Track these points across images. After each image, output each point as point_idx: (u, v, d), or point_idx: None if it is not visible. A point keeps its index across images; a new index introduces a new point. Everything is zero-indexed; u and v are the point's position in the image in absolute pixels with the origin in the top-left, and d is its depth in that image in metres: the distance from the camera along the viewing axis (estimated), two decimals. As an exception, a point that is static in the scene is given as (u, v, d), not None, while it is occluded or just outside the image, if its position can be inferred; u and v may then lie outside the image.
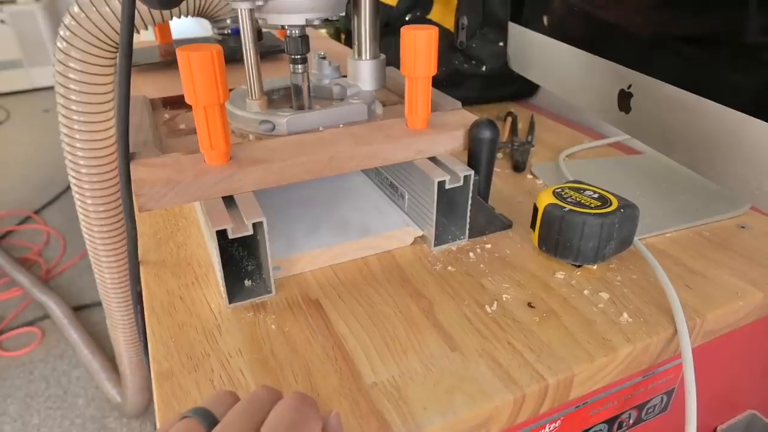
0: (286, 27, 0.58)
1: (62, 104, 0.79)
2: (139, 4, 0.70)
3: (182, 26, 1.08)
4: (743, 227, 0.62)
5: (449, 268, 0.55)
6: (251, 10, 0.54)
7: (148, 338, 0.46)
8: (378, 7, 0.61)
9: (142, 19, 0.77)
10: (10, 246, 2.16)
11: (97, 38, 0.76)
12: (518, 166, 0.75)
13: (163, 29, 0.88)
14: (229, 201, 0.49)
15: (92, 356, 1.59)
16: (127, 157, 0.49)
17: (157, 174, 0.47)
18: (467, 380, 0.42)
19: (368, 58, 0.64)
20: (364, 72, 0.64)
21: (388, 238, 0.57)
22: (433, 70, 0.54)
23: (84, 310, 1.83)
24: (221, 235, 0.46)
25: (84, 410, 1.53)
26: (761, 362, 0.65)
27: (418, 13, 0.96)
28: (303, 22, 0.56)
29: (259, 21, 0.58)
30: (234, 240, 0.47)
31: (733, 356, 0.60)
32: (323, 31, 1.22)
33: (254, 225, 0.46)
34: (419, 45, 0.52)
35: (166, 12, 0.78)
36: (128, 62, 0.47)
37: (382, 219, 0.60)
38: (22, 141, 3.17)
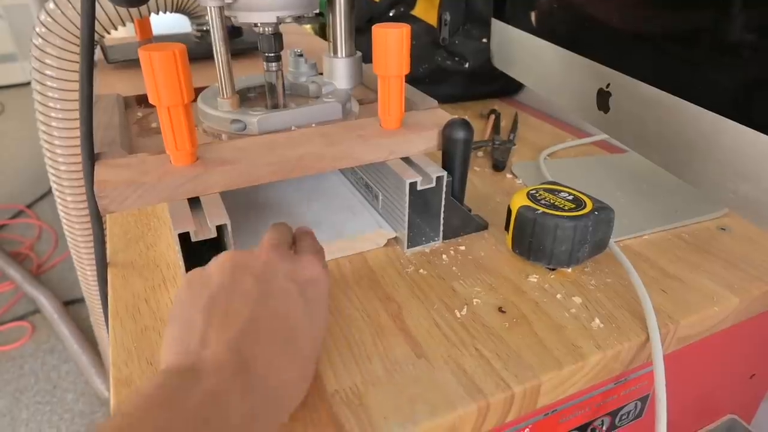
0: (258, 25, 0.57)
1: (40, 101, 0.79)
2: (107, 3, 0.69)
3: (167, 22, 1.07)
4: (724, 229, 0.61)
5: (421, 270, 0.54)
6: (220, 8, 0.53)
7: (110, 343, 0.45)
8: (353, 4, 0.60)
9: (119, 16, 0.76)
10: (2, 240, 2.16)
11: (74, 35, 0.75)
12: (498, 165, 0.74)
13: (143, 25, 0.87)
14: (196, 202, 0.48)
15: (82, 351, 1.59)
16: (91, 157, 0.48)
17: (120, 175, 0.47)
18: (431, 388, 0.41)
19: (344, 55, 0.63)
20: (339, 70, 0.63)
21: (360, 240, 0.57)
22: (405, 69, 0.53)
23: (75, 305, 1.83)
24: (184, 237, 0.45)
25: (73, 405, 1.52)
26: (740, 366, 0.64)
27: (402, 9, 0.95)
28: (274, 20, 0.55)
29: (232, 19, 0.57)
30: (203, 241, 0.46)
31: (710, 360, 0.59)
32: (307, 27, 1.21)
33: (218, 227, 0.46)
34: (390, 43, 0.51)
35: (143, 8, 0.77)
36: (89, 61, 0.46)
37: (355, 220, 0.59)
38: (16, 135, 3.16)
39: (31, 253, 2.09)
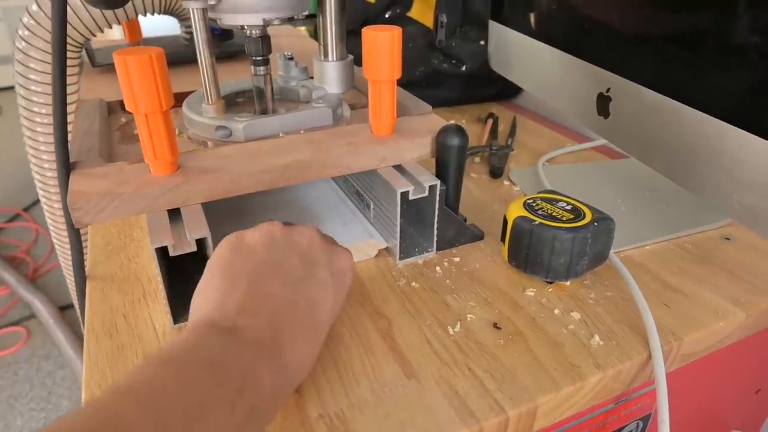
0: (245, 27, 0.55)
1: (24, 106, 0.77)
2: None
3: (160, 24, 1.05)
4: (728, 239, 0.59)
5: (413, 284, 0.52)
6: (204, 10, 0.51)
7: (84, 361, 0.43)
8: (343, 5, 0.58)
9: (105, 18, 0.74)
10: (-2, 244, 2.14)
11: (58, 37, 0.73)
12: (495, 172, 0.72)
13: (133, 27, 0.84)
14: (177, 214, 0.46)
15: (77, 357, 1.57)
16: (66, 166, 0.46)
17: (96, 186, 0.44)
18: (421, 412, 0.39)
19: (335, 59, 0.60)
20: (330, 74, 0.61)
21: (350, 250, 0.54)
22: (397, 73, 0.51)
23: (70, 310, 1.80)
24: (162, 251, 0.43)
25: (68, 412, 1.50)
26: (745, 381, 0.62)
27: (398, 11, 0.93)
28: (260, 22, 0.53)
29: (218, 21, 0.54)
30: (184, 254, 0.44)
31: (715, 376, 0.57)
32: (302, 29, 1.18)
33: (199, 240, 0.43)
34: (381, 46, 0.49)
35: (129, 10, 0.75)
36: (62, 64, 0.44)
37: (345, 230, 0.57)
38: (14, 137, 3.14)
39: (27, 257, 2.07)
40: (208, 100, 0.55)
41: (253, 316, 0.35)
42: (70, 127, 0.55)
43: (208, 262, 0.40)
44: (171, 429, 0.27)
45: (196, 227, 0.44)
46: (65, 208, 0.47)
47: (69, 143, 0.49)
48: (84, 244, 0.79)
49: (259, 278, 0.38)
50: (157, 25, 1.04)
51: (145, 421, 0.27)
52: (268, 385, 0.33)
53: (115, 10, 0.73)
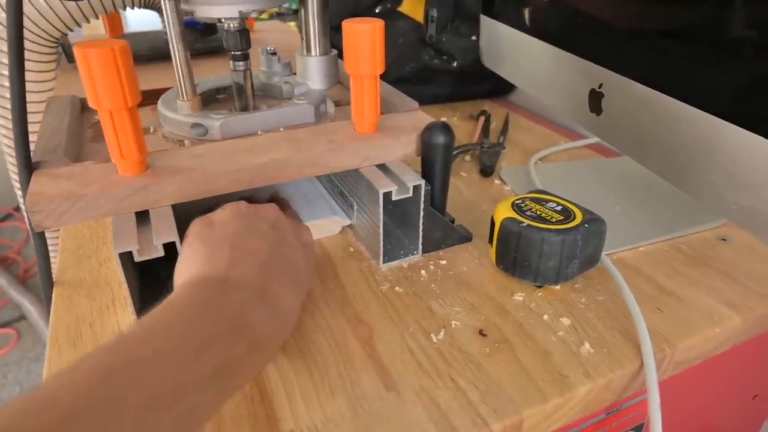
0: (223, 20, 0.52)
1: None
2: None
3: (147, 19, 1.02)
4: (724, 239, 0.56)
5: (397, 288, 0.49)
6: (176, 1, 0.49)
7: (44, 376, 0.41)
8: (326, -2, 0.56)
9: (82, 12, 0.72)
10: (-11, 244, 2.12)
11: (33, 33, 0.71)
12: (486, 171, 0.69)
13: (114, 21, 0.82)
14: (145, 216, 0.44)
15: (66, 360, 1.55)
16: (28, 166, 0.44)
17: (59, 187, 0.42)
18: (400, 427, 0.37)
19: (318, 54, 0.58)
20: (313, 69, 0.59)
21: (313, 227, 0.52)
22: (379, 68, 0.48)
23: (60, 311, 1.78)
24: (126, 256, 0.40)
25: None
26: (741, 387, 0.60)
27: (388, 5, 0.90)
28: (236, 15, 0.51)
29: (193, 14, 0.52)
30: (155, 258, 0.41)
31: (710, 383, 0.55)
32: (291, 24, 1.16)
33: (169, 245, 0.41)
34: (362, 40, 0.47)
35: (107, 4, 0.72)
36: (19, 59, 0.42)
37: (310, 207, 0.58)
38: (6, 135, 3.11)
39: (18, 258, 2.04)
40: (183, 96, 0.53)
41: (242, 268, 0.37)
42: (36, 127, 0.53)
43: (184, 243, 0.41)
44: (184, 360, 0.29)
45: (164, 231, 0.41)
46: (27, 211, 0.44)
47: (34, 142, 0.47)
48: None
49: (240, 241, 0.39)
50: (150, 21, 1.01)
51: (157, 355, 0.29)
52: (265, 323, 0.35)
53: (92, 4, 0.70)
